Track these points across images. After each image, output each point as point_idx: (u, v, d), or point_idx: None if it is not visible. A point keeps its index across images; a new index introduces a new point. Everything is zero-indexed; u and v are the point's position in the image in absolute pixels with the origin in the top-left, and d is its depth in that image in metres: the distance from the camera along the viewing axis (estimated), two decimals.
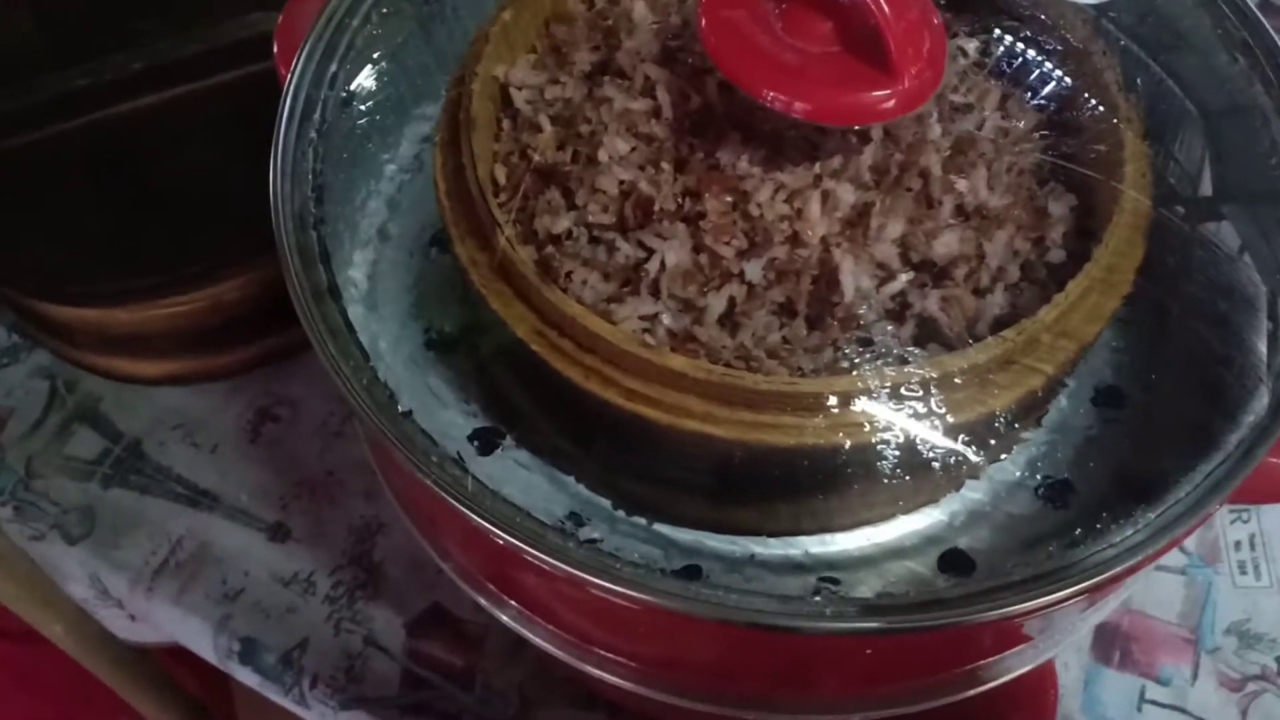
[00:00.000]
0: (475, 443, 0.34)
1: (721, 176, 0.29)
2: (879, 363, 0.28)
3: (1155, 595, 0.45)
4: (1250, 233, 0.33)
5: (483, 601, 0.33)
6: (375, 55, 0.35)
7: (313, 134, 0.32)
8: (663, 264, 0.29)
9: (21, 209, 0.43)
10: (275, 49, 0.36)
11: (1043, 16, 0.31)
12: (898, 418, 0.27)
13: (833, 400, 0.26)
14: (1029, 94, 0.33)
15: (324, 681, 0.43)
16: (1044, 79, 0.33)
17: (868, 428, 0.27)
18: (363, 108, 0.35)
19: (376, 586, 0.45)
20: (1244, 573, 0.46)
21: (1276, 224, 0.33)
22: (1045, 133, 0.32)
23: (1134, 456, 0.33)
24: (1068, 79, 0.32)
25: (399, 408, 0.28)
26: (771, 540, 0.32)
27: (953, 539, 0.32)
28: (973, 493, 0.33)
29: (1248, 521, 0.47)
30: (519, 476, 0.34)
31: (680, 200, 0.29)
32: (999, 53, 0.33)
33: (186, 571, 0.46)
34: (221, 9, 0.45)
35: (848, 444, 0.27)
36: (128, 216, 0.40)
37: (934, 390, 0.27)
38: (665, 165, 0.30)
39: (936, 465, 0.28)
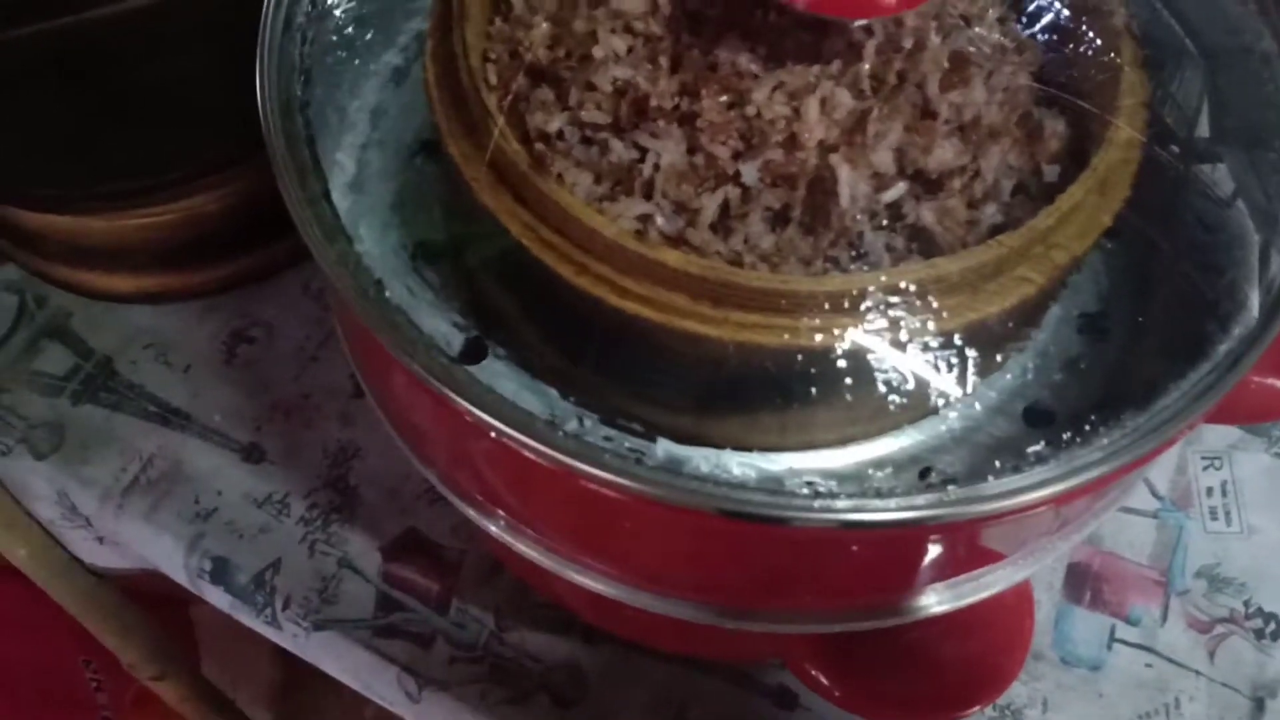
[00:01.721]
0: (460, 353, 0.34)
1: (719, 75, 0.29)
2: (871, 269, 0.28)
3: (1127, 537, 0.46)
4: (1245, 178, 0.33)
5: (466, 509, 0.32)
6: None
7: (301, 18, 0.31)
8: (657, 164, 0.29)
9: None
10: None
11: None
12: (888, 321, 0.27)
13: (824, 300, 0.26)
14: (1031, 19, 0.33)
15: (297, 603, 0.43)
16: (1046, 7, 0.32)
17: (859, 329, 0.26)
18: (347, 11, 0.34)
19: (352, 510, 0.45)
20: (1215, 518, 0.47)
21: (1273, 169, 0.33)
22: (1045, 59, 0.32)
23: (1112, 385, 0.33)
24: (1070, 10, 0.32)
25: (387, 295, 0.27)
26: (755, 455, 0.32)
27: (933, 459, 0.32)
28: (956, 414, 0.33)
29: (1220, 468, 0.48)
30: (503, 388, 0.33)
31: (676, 99, 0.29)
32: None
33: (158, 489, 0.45)
34: None
35: (837, 346, 0.26)
36: (101, 122, 0.39)
37: (927, 294, 0.27)
38: (661, 63, 0.29)
39: (924, 376, 0.28)
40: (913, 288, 0.27)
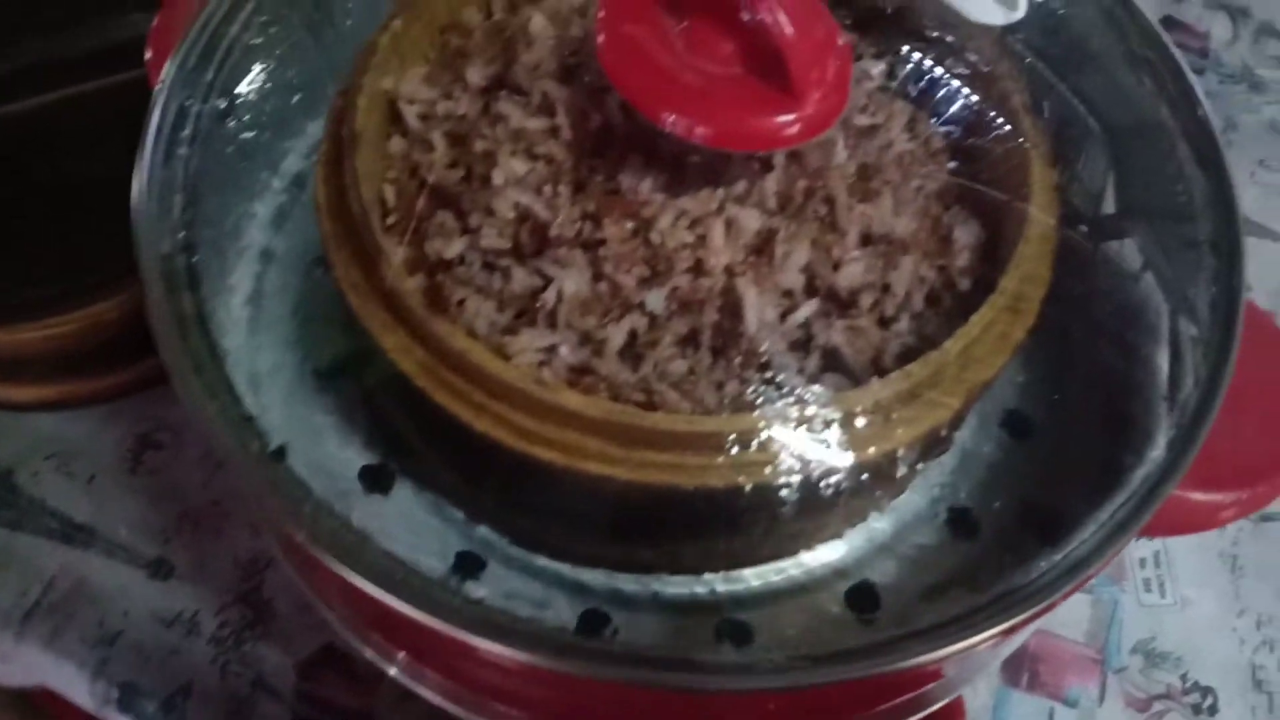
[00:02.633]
0: (364, 478, 0.32)
1: (622, 201, 0.28)
2: (782, 400, 0.27)
3: (1062, 615, 0.45)
4: (1152, 251, 0.33)
5: (367, 652, 0.31)
6: (258, 63, 0.33)
7: (184, 150, 0.29)
8: (560, 293, 0.28)
9: None
10: (148, 54, 0.34)
11: (949, 38, 0.31)
12: (800, 456, 0.26)
13: (733, 439, 0.25)
14: (936, 116, 0.32)
15: None
16: (951, 100, 0.32)
17: (770, 467, 0.26)
18: (243, 119, 0.33)
19: (266, 625, 0.43)
20: (1149, 590, 0.46)
21: (1177, 243, 0.33)
22: (952, 156, 0.32)
23: (1040, 486, 0.33)
24: (975, 100, 0.32)
25: (269, 447, 0.26)
26: (676, 578, 0.31)
27: (860, 572, 0.32)
28: (879, 524, 0.32)
29: (1152, 540, 0.47)
30: (409, 513, 0.32)
31: (579, 226, 0.28)
32: (906, 74, 0.32)
33: (60, 613, 0.43)
34: (98, 10, 0.42)
35: (749, 485, 0.25)
36: None
37: (837, 427, 0.26)
38: (563, 188, 0.28)
39: (840, 501, 0.27)
40: (826, 422, 0.26)
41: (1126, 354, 0.32)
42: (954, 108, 0.32)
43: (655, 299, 0.27)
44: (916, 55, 0.31)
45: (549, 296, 0.28)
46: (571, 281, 0.28)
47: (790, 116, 0.25)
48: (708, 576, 0.31)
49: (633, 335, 0.28)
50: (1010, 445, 0.34)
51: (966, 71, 0.31)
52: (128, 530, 0.44)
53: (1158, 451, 0.27)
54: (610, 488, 0.26)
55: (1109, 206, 0.34)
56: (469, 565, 0.31)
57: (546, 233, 0.28)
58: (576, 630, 0.30)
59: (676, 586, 0.31)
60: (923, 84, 0.32)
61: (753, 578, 0.32)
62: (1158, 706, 0.44)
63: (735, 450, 0.25)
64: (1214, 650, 0.45)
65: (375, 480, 0.32)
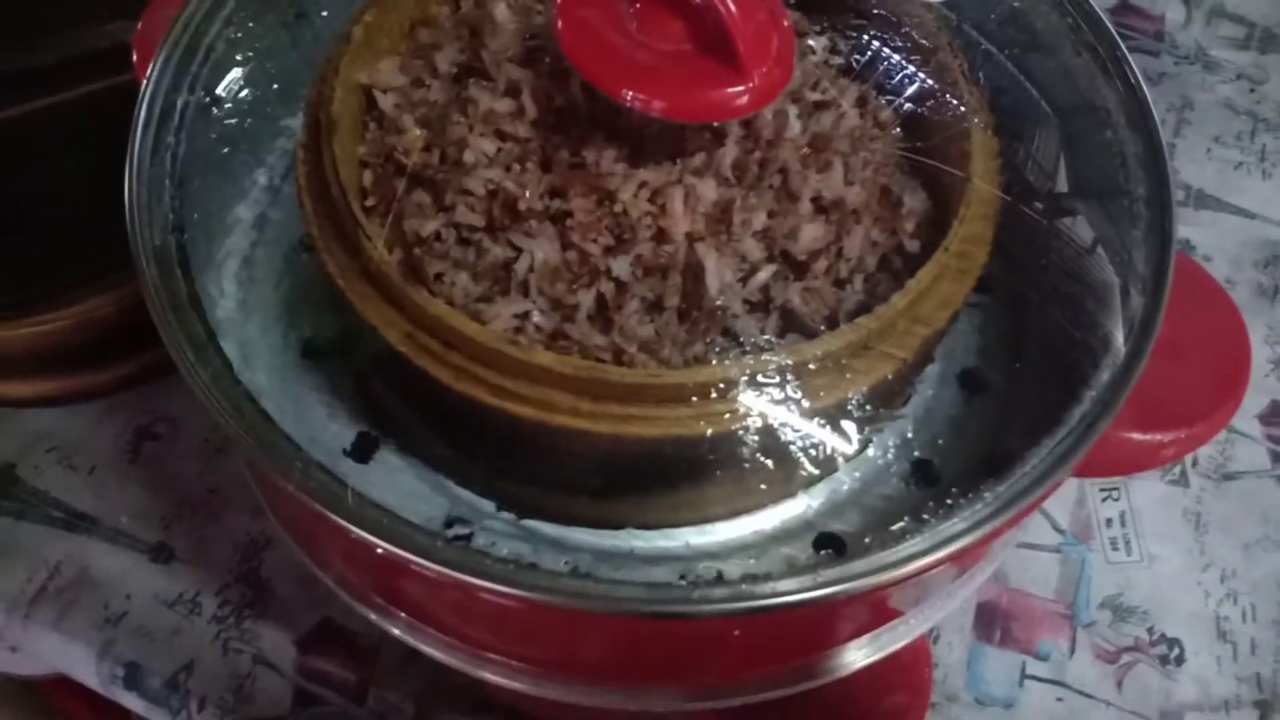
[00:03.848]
0: (353, 449, 0.34)
1: (586, 175, 0.30)
2: (741, 352, 0.29)
3: (1032, 573, 0.47)
4: (1103, 226, 0.35)
5: (369, 614, 0.32)
6: (238, 59, 0.35)
7: (171, 139, 0.31)
8: (531, 263, 0.29)
9: None
10: (134, 57, 0.36)
11: (893, 16, 0.33)
12: (760, 405, 0.27)
13: (695, 390, 0.27)
14: (883, 92, 0.34)
15: (213, 703, 0.42)
16: (896, 76, 0.34)
17: (730, 416, 0.27)
18: (226, 110, 0.35)
19: (264, 604, 0.44)
20: (1115, 549, 0.48)
21: (1124, 217, 0.35)
22: (900, 129, 0.33)
23: (994, 437, 0.34)
24: (919, 76, 0.34)
25: (264, 414, 0.27)
26: (651, 533, 0.33)
27: (825, 523, 0.33)
28: (844, 476, 0.34)
29: (1118, 499, 0.49)
30: (398, 482, 0.33)
31: (547, 199, 0.30)
32: (855, 52, 0.34)
33: (65, 597, 0.44)
34: (77, 18, 0.43)
35: (709, 432, 0.27)
36: None
37: (793, 377, 0.28)
38: (530, 165, 0.30)
39: (803, 451, 0.29)
40: (780, 371, 0.28)
41: (1079, 320, 0.34)
42: (899, 82, 0.34)
43: (621, 265, 0.29)
44: (864, 34, 0.33)
45: (521, 266, 0.29)
46: (541, 251, 0.29)
47: (738, 89, 0.27)
48: (681, 531, 0.33)
49: (601, 300, 0.29)
50: (968, 401, 0.36)
51: (909, 47, 0.33)
52: (129, 518, 0.46)
53: (1095, 392, 0.28)
54: (583, 441, 0.28)
55: (1062, 185, 0.36)
56: (457, 528, 0.32)
57: (516, 207, 0.29)
58: None
59: (651, 541, 0.33)
60: (870, 60, 0.34)
61: (724, 531, 0.33)
62: (1126, 658, 0.46)
63: (696, 400, 0.27)
64: (1180, 604, 0.47)
65: (363, 450, 0.34)
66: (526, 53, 0.31)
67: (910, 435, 0.35)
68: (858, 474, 0.34)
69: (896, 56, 0.32)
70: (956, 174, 0.32)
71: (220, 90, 0.35)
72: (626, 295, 0.29)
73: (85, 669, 0.43)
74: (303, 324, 0.35)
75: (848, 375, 0.28)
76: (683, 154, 0.30)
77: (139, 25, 0.36)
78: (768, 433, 0.28)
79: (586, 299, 0.29)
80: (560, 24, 0.28)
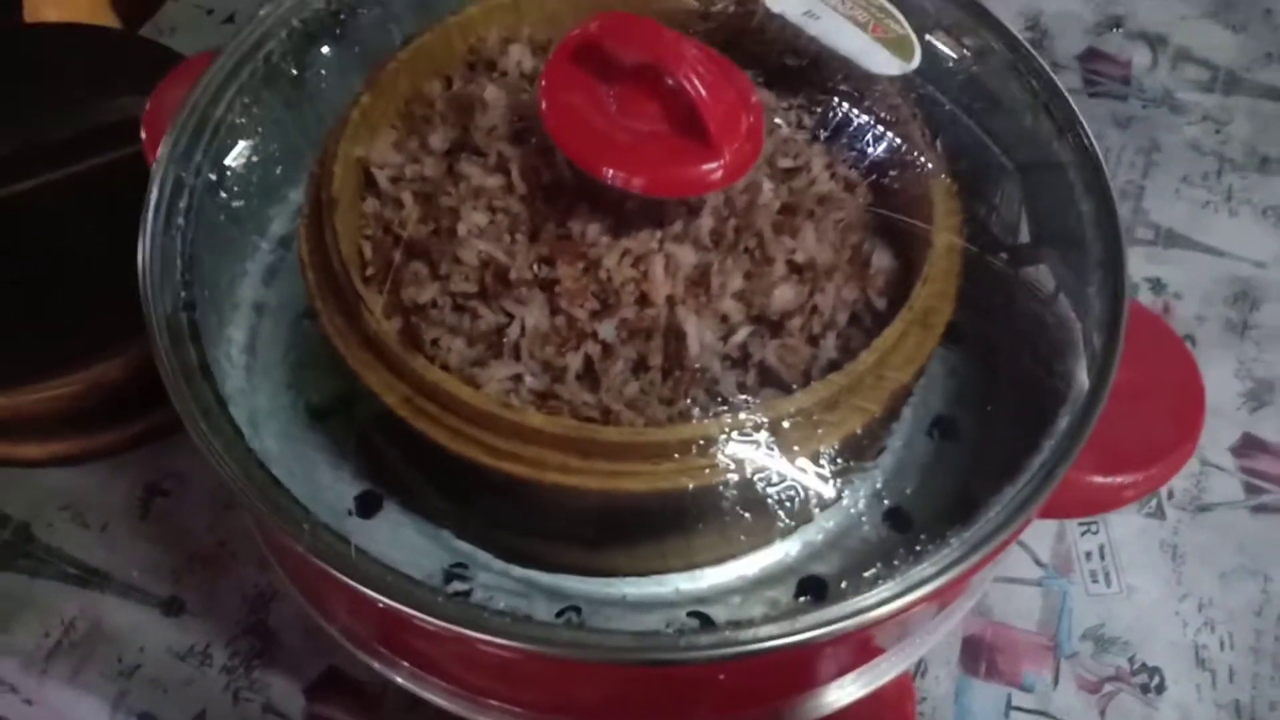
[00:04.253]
0: (357, 506, 0.36)
1: (572, 244, 0.32)
2: (721, 409, 0.30)
3: (1015, 607, 0.49)
4: (1063, 274, 0.37)
5: (374, 664, 0.34)
6: (242, 139, 0.37)
7: (180, 220, 0.33)
8: (523, 328, 0.31)
9: None
10: (143, 136, 0.38)
11: (857, 89, 0.35)
12: (739, 459, 0.29)
13: (677, 447, 0.29)
14: (851, 156, 0.36)
15: None
16: (862, 141, 0.36)
17: (710, 470, 0.29)
18: (232, 187, 0.37)
19: (273, 654, 0.46)
20: (1095, 581, 0.50)
21: (1082, 267, 0.36)
22: (867, 190, 0.36)
23: (965, 481, 0.36)
24: (883, 141, 0.36)
25: (272, 478, 0.29)
26: (642, 579, 0.35)
27: (807, 567, 0.35)
28: (822, 523, 0.36)
29: (1097, 533, 0.51)
30: (401, 536, 0.35)
31: (536, 268, 0.32)
32: (822, 123, 0.36)
33: (80, 652, 0.46)
34: (90, 94, 0.46)
35: (691, 486, 0.29)
36: None
37: (769, 433, 0.29)
38: (520, 236, 0.32)
39: (780, 502, 0.31)
40: (756, 428, 0.29)
41: (1044, 364, 0.35)
42: (864, 147, 0.36)
43: (607, 329, 0.31)
44: (830, 105, 0.35)
45: (512, 332, 0.31)
46: (531, 317, 0.31)
47: (712, 165, 0.29)
48: (671, 577, 0.35)
49: (589, 362, 0.31)
50: (938, 448, 0.38)
51: (874, 115, 0.35)
52: (140, 572, 0.47)
53: (1053, 440, 0.30)
54: (573, 496, 0.30)
55: (1024, 236, 0.38)
56: (455, 579, 0.34)
57: (507, 276, 0.31)
58: None
59: (642, 588, 0.34)
60: (837, 128, 0.36)
61: (711, 577, 0.35)
62: (1108, 688, 0.47)
63: (679, 456, 0.29)
64: (1159, 633, 0.48)
65: (366, 506, 0.35)
66: (514, 130, 0.34)
67: (882, 484, 0.36)
68: (832, 523, 0.36)
69: (861, 122, 0.35)
70: (921, 225, 0.34)
71: (228, 166, 0.37)
72: (613, 357, 0.31)
73: None
74: (308, 388, 0.37)
75: (820, 429, 0.30)
76: (663, 223, 0.32)
77: (147, 105, 0.38)
78: (747, 485, 0.30)
79: (575, 361, 0.31)
80: (545, 106, 0.30)
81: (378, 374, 0.31)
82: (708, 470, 0.29)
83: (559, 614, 0.33)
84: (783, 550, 0.35)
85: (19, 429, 0.47)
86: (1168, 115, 0.65)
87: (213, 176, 0.36)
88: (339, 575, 0.27)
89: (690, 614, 0.34)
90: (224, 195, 0.36)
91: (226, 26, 0.64)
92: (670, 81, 0.29)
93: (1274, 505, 0.51)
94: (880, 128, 0.35)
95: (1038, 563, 0.50)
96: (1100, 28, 0.70)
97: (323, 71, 0.39)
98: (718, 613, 0.34)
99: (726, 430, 0.29)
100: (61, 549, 0.48)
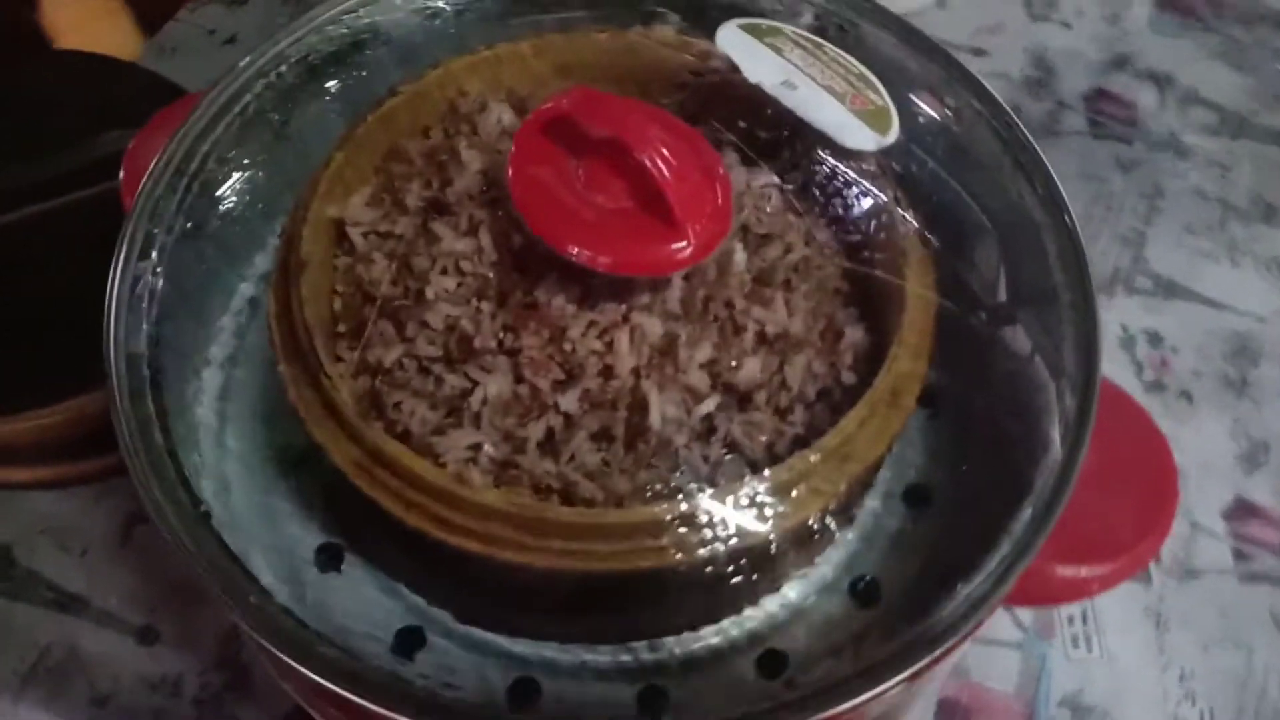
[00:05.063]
0: (319, 557, 0.35)
1: (538, 314, 0.31)
2: (681, 487, 0.30)
3: (994, 668, 0.48)
4: (1038, 334, 0.36)
5: None
6: (220, 186, 0.37)
7: (151, 271, 0.33)
8: (485, 396, 0.31)
9: None
10: (122, 175, 0.38)
11: (833, 157, 0.34)
12: (694, 539, 0.29)
13: (630, 530, 0.29)
14: (828, 218, 0.36)
15: None
16: (839, 204, 0.36)
17: (665, 551, 0.29)
18: (208, 239, 0.37)
19: (244, 688, 0.46)
20: (1076, 646, 0.49)
21: (1058, 325, 0.36)
22: (843, 254, 0.35)
23: (936, 554, 0.36)
24: (860, 203, 0.35)
25: (221, 543, 0.29)
26: (603, 648, 0.34)
27: (772, 639, 0.35)
28: (790, 594, 0.35)
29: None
30: (359, 590, 0.35)
31: (500, 336, 0.31)
32: (802, 186, 0.36)
33: (54, 677, 0.46)
34: (83, 127, 0.46)
35: (646, 565, 0.29)
36: None
37: (729, 513, 0.29)
38: (486, 303, 0.32)
39: (740, 577, 0.31)
40: (717, 509, 0.29)
41: (1022, 429, 0.35)
42: (841, 210, 0.36)
43: (569, 400, 0.31)
44: (808, 168, 0.35)
45: (475, 400, 0.31)
46: (495, 385, 0.31)
47: (679, 244, 0.29)
48: (632, 645, 0.35)
49: (550, 432, 0.31)
50: (912, 516, 0.37)
51: (850, 179, 0.35)
52: (118, 600, 0.48)
53: (1016, 534, 0.30)
54: (528, 572, 0.29)
55: (1001, 296, 0.38)
56: (410, 640, 0.34)
57: (472, 342, 0.31)
58: (508, 695, 0.33)
59: (603, 654, 0.34)
60: (814, 192, 0.36)
61: (673, 645, 0.35)
62: None
63: (633, 538, 0.29)
64: (1139, 703, 0.48)
65: (328, 559, 0.35)
66: (488, 195, 0.33)
67: (855, 552, 0.36)
68: (802, 590, 0.35)
69: (838, 185, 0.34)
70: (896, 284, 0.33)
71: (205, 213, 0.37)
72: (574, 428, 0.31)
73: None
74: (278, 439, 0.37)
75: (781, 508, 0.30)
76: (631, 293, 0.32)
77: (129, 147, 0.38)
78: (705, 562, 0.30)
79: (536, 431, 0.31)
80: (512, 178, 0.30)
81: (336, 441, 0.31)
82: (664, 550, 0.29)
83: (514, 684, 0.33)
84: (746, 621, 0.35)
85: (6, 455, 0.47)
86: (1172, 159, 0.65)
87: (189, 225, 0.36)
88: (280, 653, 0.26)
89: (647, 688, 0.34)
90: (199, 244, 0.36)
91: (228, 48, 0.64)
92: (635, 159, 0.29)
93: (1263, 573, 0.51)
94: (857, 191, 0.34)
95: (1019, 625, 0.49)
96: (1107, 67, 0.69)
97: (304, 119, 0.38)
98: (675, 686, 0.34)
99: (683, 513, 0.29)
100: (41, 573, 0.48)
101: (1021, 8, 0.71)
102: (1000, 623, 0.49)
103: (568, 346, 0.31)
